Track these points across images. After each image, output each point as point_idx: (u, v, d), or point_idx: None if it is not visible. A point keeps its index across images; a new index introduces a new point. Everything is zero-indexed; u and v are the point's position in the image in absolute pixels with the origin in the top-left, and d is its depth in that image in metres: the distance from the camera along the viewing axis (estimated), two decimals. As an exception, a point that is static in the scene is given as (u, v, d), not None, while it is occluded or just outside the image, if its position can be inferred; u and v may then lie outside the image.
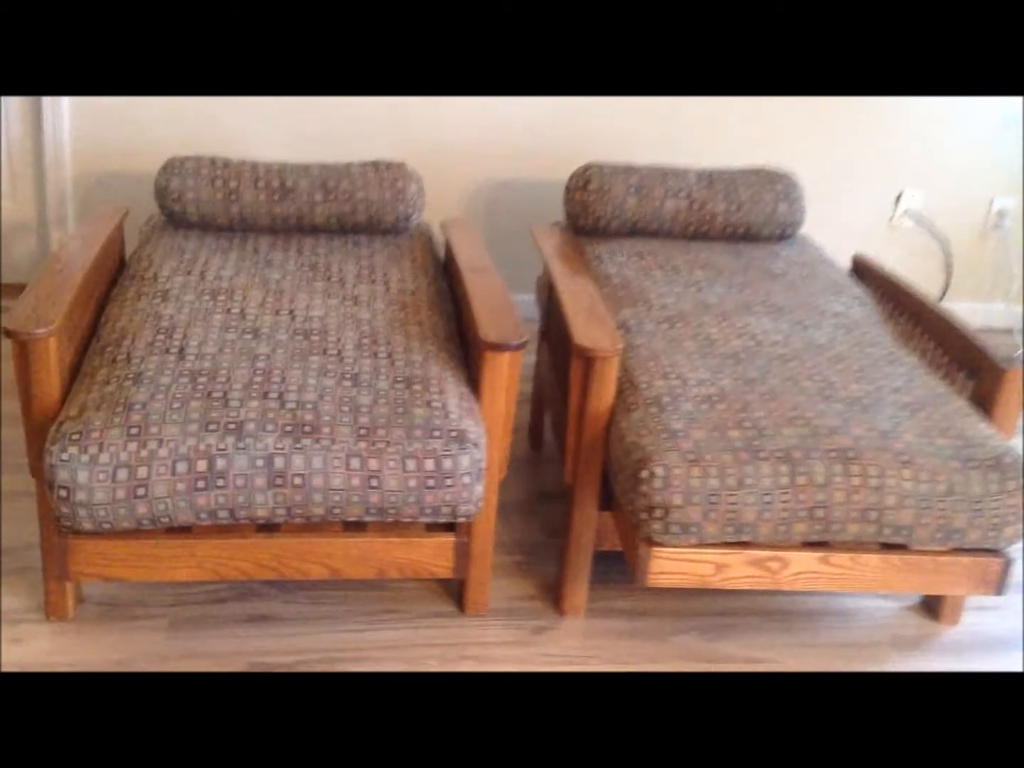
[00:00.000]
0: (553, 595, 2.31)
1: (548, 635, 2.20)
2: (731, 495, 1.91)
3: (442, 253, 2.72)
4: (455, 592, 2.27)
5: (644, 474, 1.91)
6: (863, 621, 2.30)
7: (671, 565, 1.97)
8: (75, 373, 2.09)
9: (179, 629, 2.12)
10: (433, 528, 2.02)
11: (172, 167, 2.59)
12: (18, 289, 3.19)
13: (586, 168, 2.72)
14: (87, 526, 1.84)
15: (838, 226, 3.49)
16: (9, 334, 1.89)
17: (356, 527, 1.99)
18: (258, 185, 2.59)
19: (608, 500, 2.16)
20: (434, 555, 1.98)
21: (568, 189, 2.74)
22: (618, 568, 2.27)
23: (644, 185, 2.69)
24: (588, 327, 2.10)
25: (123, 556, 1.89)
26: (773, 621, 2.28)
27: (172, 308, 2.21)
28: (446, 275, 2.59)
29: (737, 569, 1.99)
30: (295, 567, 1.95)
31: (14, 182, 3.30)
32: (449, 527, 2.02)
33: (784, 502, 1.92)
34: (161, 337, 2.10)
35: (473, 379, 2.10)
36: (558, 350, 2.47)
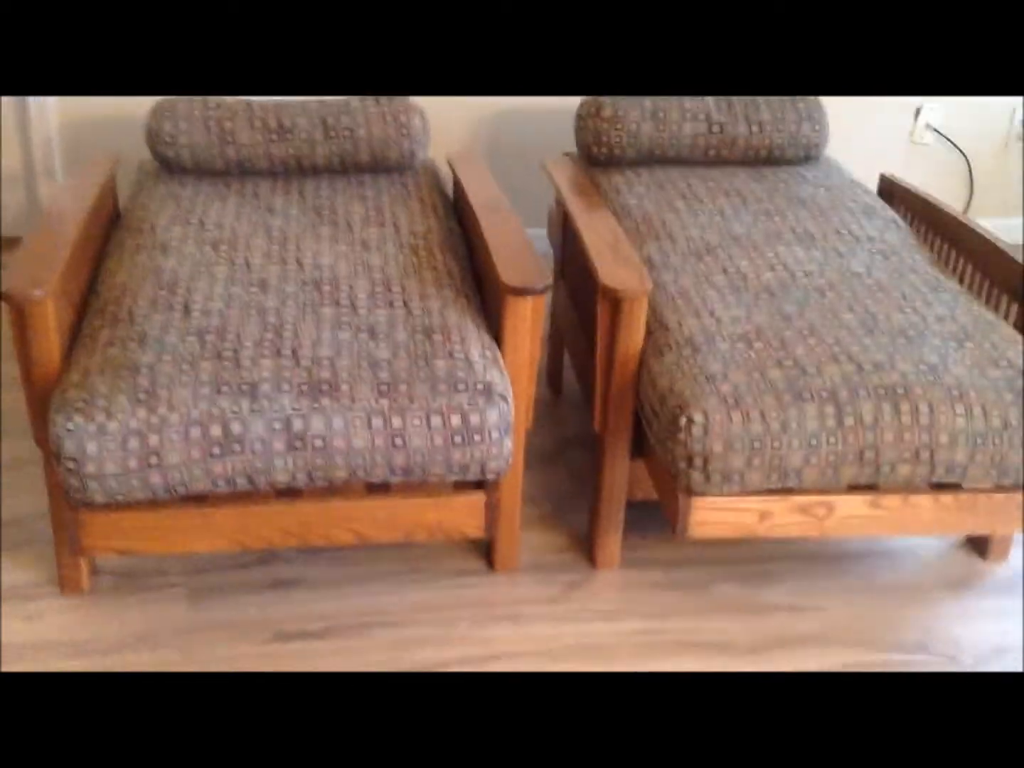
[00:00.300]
0: (585, 547, 2.22)
1: (582, 590, 2.12)
2: (775, 440, 1.81)
3: (450, 190, 2.58)
4: (483, 548, 2.18)
5: (682, 422, 1.81)
6: (909, 562, 2.22)
7: (712, 515, 1.88)
8: (76, 334, 1.97)
9: (200, 599, 2.03)
10: (461, 486, 1.92)
11: (163, 110, 2.44)
12: (9, 243, 3.06)
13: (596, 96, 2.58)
14: (98, 498, 1.74)
15: (857, 145, 3.35)
16: (3, 298, 1.77)
17: (381, 489, 1.89)
18: (254, 125, 2.44)
19: (640, 447, 2.07)
20: (464, 515, 1.89)
21: (579, 117, 2.60)
22: (652, 516, 2.18)
23: (660, 109, 2.55)
24: (614, 266, 1.98)
25: (138, 528, 1.80)
26: (816, 565, 2.20)
27: (173, 261, 2.09)
28: (456, 214, 2.46)
29: (782, 517, 1.90)
30: (320, 533, 1.86)
31: (-3, 130, 3.15)
32: (478, 485, 1.92)
33: (831, 445, 1.82)
34: (163, 293, 1.98)
35: (494, 326, 1.99)
36: (578, 289, 2.35)
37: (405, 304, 1.99)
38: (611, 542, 2.16)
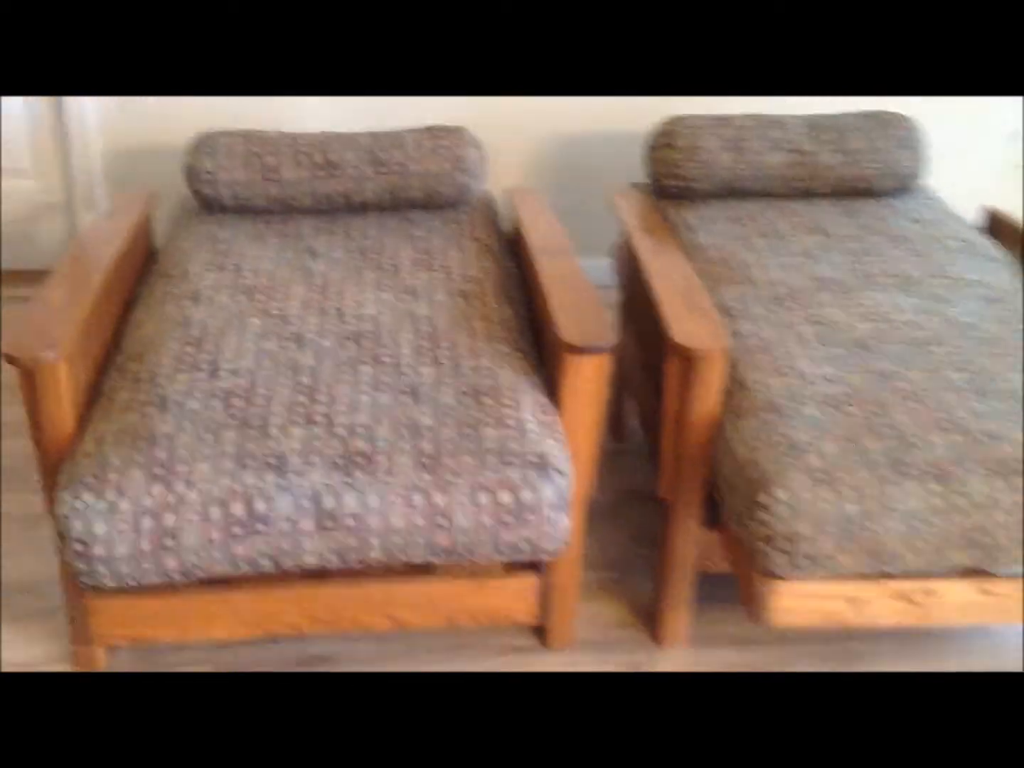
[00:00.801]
0: (648, 620, 2.01)
1: (645, 671, 1.90)
2: (871, 521, 1.58)
3: (508, 226, 2.39)
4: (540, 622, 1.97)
5: (763, 499, 1.59)
6: (1012, 641, 1.96)
7: (797, 602, 1.65)
8: (96, 393, 1.82)
9: (228, 679, 1.85)
10: (511, 567, 1.71)
11: (203, 146, 2.29)
12: (44, 276, 2.93)
13: (671, 122, 2.37)
14: (109, 583, 1.57)
15: (954, 174, 3.08)
16: (11, 360, 1.62)
17: (421, 569, 1.70)
18: (299, 161, 2.28)
19: (714, 514, 1.85)
20: (514, 599, 1.69)
21: (651, 147, 2.39)
22: (725, 585, 1.95)
23: (740, 138, 2.32)
24: (686, 319, 1.77)
25: (152, 615, 1.63)
26: (913, 644, 1.96)
27: (203, 312, 1.92)
28: (514, 253, 2.27)
29: (878, 604, 1.66)
30: (351, 619, 1.67)
31: (37, 159, 3.03)
32: (530, 565, 1.72)
33: (936, 527, 1.58)
34: (190, 350, 1.81)
35: (551, 385, 1.78)
36: (644, 331, 2.14)
37: (453, 360, 1.79)
38: (678, 618, 1.94)
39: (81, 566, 1.55)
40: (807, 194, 2.38)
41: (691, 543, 1.87)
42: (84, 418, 1.75)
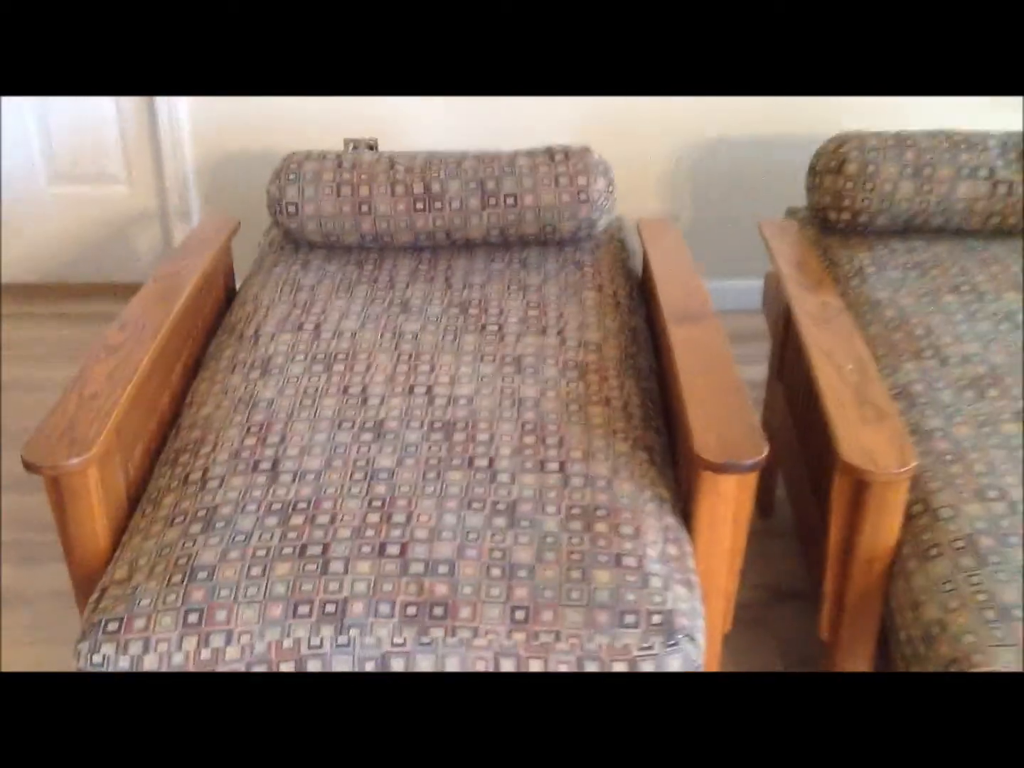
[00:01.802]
0: None
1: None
2: (1107, 722, 1.18)
3: (638, 265, 2.03)
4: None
5: (960, 683, 1.21)
6: None
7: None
8: (141, 490, 1.55)
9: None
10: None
11: (287, 171, 1.99)
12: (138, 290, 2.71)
13: (840, 142, 1.96)
14: (136, 751, 1.30)
15: None
16: (29, 468, 1.35)
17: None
18: (395, 191, 1.95)
19: (885, 661, 1.48)
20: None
21: (815, 172, 1.98)
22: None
23: (923, 163, 1.90)
24: (859, 428, 1.38)
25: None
26: None
27: (272, 388, 1.63)
28: (644, 299, 1.91)
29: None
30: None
31: (130, 166, 2.79)
32: (653, 738, 1.37)
33: None
34: (251, 442, 1.52)
35: (684, 499, 1.43)
36: (797, 391, 1.76)
37: (561, 467, 1.45)
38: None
39: (102, 730, 1.28)
40: (1009, 233, 1.94)
41: (855, 690, 1.50)
42: (124, 527, 1.48)
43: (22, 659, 1.83)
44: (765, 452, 1.33)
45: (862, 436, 1.37)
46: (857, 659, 1.47)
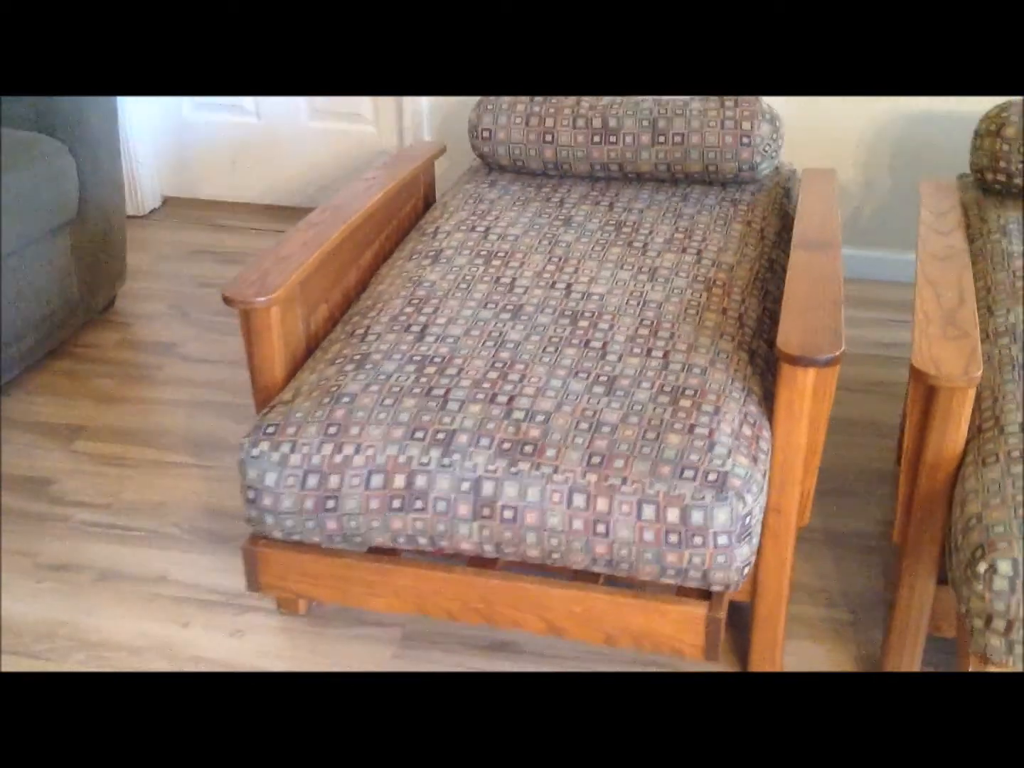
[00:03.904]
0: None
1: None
2: (1119, 620, 1.26)
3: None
4: (741, 652, 1.79)
5: (982, 566, 1.32)
6: None
7: (1018, 697, 1.36)
8: (320, 342, 1.85)
9: (410, 646, 1.83)
10: (688, 592, 1.55)
11: (486, 103, 2.25)
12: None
13: (1004, 106, 2.02)
14: (276, 534, 1.59)
15: None
16: (227, 301, 1.67)
17: (587, 577, 1.57)
18: (576, 124, 2.18)
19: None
20: (679, 628, 1.52)
21: (977, 133, 2.06)
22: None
23: (1085, 129, 1.94)
24: (936, 342, 1.50)
25: (315, 574, 1.62)
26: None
27: (437, 273, 1.89)
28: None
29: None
30: (506, 615, 1.58)
31: (378, 106, 3.14)
32: (706, 593, 1.54)
33: None
34: (409, 310, 1.79)
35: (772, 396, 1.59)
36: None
37: (665, 355, 1.64)
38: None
39: (252, 513, 1.58)
40: None
41: (921, 599, 1.61)
42: (300, 365, 1.78)
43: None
44: (841, 350, 1.47)
45: (935, 348, 1.48)
46: (923, 563, 1.58)
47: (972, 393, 1.44)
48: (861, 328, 2.70)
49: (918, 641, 1.64)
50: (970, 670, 1.39)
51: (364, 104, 3.16)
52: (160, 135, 3.36)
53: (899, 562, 1.61)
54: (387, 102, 3.12)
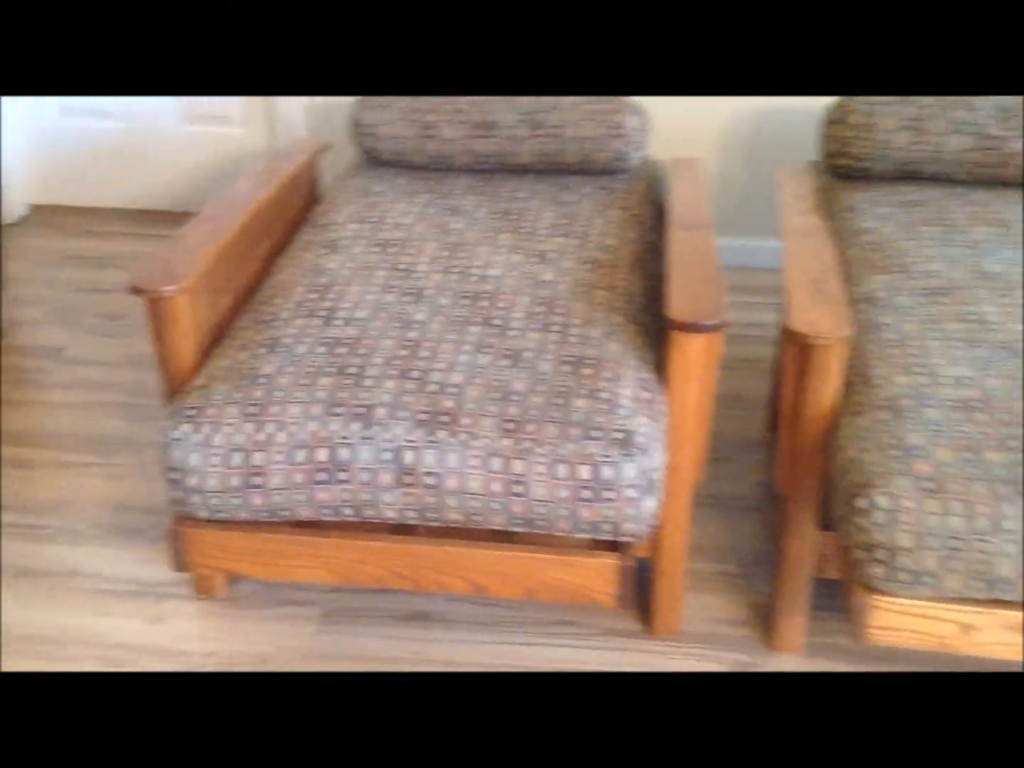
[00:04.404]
0: (765, 622, 1.91)
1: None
2: (981, 540, 1.44)
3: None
4: (646, 607, 1.92)
5: (862, 502, 1.48)
6: None
7: (898, 620, 1.52)
8: (227, 330, 1.89)
9: (332, 622, 1.90)
10: (600, 545, 1.67)
11: (368, 99, 2.33)
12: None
13: (849, 97, 2.22)
14: (201, 514, 1.64)
15: None
16: (135, 290, 1.71)
17: (505, 537, 1.68)
18: (458, 119, 2.28)
19: (829, 515, 1.73)
20: (594, 578, 1.64)
21: (825, 122, 2.25)
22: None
23: (921, 118, 2.15)
24: (809, 306, 1.65)
25: (242, 550, 1.68)
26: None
27: (336, 261, 1.96)
28: (664, 228, 2.19)
29: (989, 634, 1.52)
30: (432, 578, 1.67)
31: (247, 109, 3.17)
32: (617, 545, 1.66)
33: (1057, 555, 1.43)
34: (313, 296, 1.86)
35: (663, 362, 1.72)
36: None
37: (563, 328, 1.76)
38: (791, 624, 1.84)
39: (176, 494, 1.62)
40: (994, 183, 2.18)
41: (806, 544, 1.77)
42: (208, 353, 1.83)
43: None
44: (723, 317, 1.61)
45: (809, 311, 1.64)
46: (806, 510, 1.73)
47: (843, 350, 1.60)
48: (723, 310, 2.88)
49: (805, 585, 1.80)
50: (854, 600, 1.54)
51: (233, 107, 3.18)
52: (27, 142, 3.31)
53: (784, 511, 1.77)
54: (256, 104, 3.16)
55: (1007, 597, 1.48)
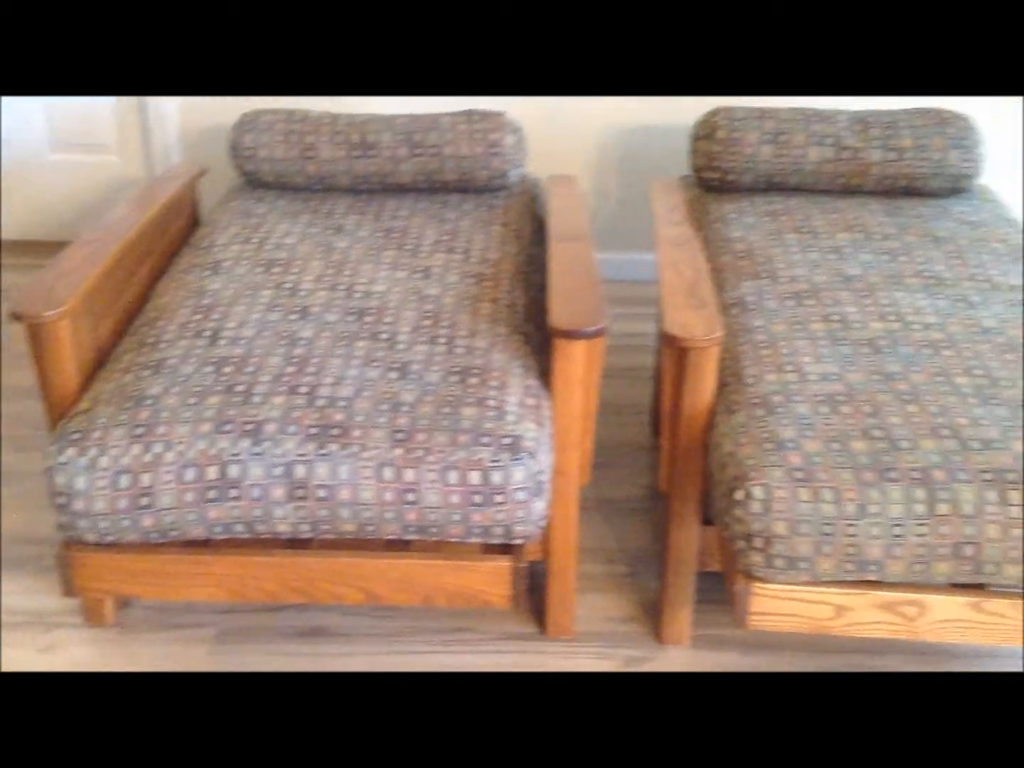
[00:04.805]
0: (654, 617, 1.97)
1: (641, 670, 1.87)
2: (850, 524, 1.52)
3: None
4: (539, 610, 1.96)
5: (739, 494, 1.55)
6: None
7: (777, 605, 1.60)
8: (109, 354, 1.88)
9: (226, 642, 1.89)
10: (492, 549, 1.71)
11: (245, 122, 2.34)
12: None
13: (713, 113, 2.32)
14: (89, 537, 1.63)
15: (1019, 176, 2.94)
16: (15, 316, 1.69)
17: (399, 546, 1.70)
18: (336, 140, 2.31)
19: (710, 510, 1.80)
20: (488, 581, 1.67)
21: (693, 138, 2.34)
22: (728, 591, 1.91)
23: (782, 132, 2.26)
24: (683, 311, 1.73)
25: (133, 572, 1.67)
26: (922, 661, 1.87)
27: (219, 282, 1.97)
28: (544, 242, 2.25)
29: (863, 614, 1.60)
30: (327, 590, 1.68)
31: (122, 135, 3.14)
32: (508, 548, 1.70)
33: (920, 536, 1.52)
34: (197, 317, 1.86)
35: (547, 370, 1.77)
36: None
37: (449, 341, 1.79)
38: (678, 617, 1.90)
39: (64, 519, 1.61)
40: (852, 191, 2.30)
41: (690, 539, 1.83)
42: (91, 377, 1.81)
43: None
44: (604, 323, 1.67)
45: (683, 316, 1.71)
46: (688, 506, 1.80)
47: (717, 351, 1.68)
48: (604, 322, 2.95)
49: (690, 579, 1.87)
50: (735, 588, 1.61)
51: (107, 134, 3.15)
52: None
53: (667, 508, 1.83)
54: (131, 129, 3.13)
55: (875, 578, 1.56)
